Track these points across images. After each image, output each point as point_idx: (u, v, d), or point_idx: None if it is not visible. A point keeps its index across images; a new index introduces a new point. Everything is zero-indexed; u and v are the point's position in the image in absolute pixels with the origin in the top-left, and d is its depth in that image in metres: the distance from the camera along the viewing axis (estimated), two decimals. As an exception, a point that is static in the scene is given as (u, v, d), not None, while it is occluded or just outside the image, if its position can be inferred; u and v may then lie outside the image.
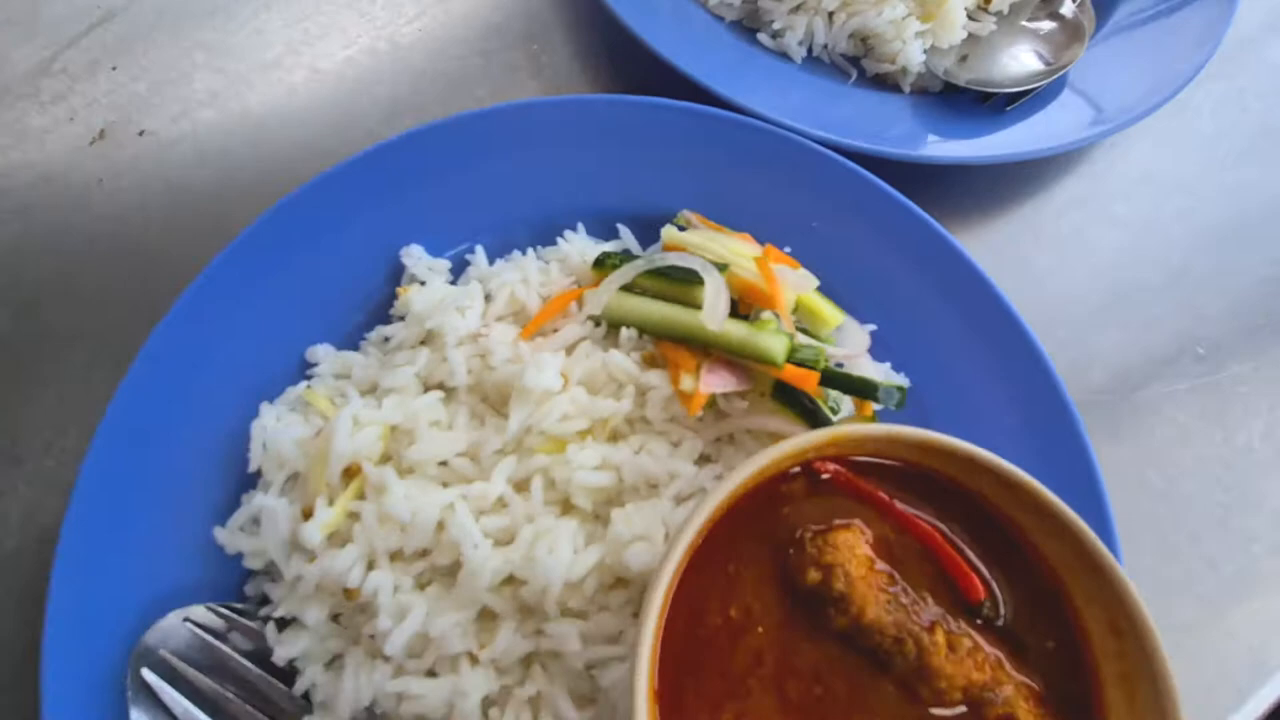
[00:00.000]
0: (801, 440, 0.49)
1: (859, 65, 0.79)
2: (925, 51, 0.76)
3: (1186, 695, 0.60)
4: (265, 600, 0.56)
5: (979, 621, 0.49)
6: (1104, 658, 0.48)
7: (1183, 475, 0.71)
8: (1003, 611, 0.50)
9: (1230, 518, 0.69)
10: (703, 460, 0.57)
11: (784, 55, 0.79)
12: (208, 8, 0.79)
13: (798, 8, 0.77)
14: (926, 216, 0.66)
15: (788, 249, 0.65)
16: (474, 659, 0.50)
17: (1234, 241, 0.80)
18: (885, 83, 0.78)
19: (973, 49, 0.79)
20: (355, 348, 0.62)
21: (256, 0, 0.80)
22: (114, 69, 0.76)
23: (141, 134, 0.74)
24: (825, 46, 0.79)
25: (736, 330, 0.55)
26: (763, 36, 0.79)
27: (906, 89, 0.77)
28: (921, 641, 0.47)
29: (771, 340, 0.54)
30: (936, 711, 0.47)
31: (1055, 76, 0.75)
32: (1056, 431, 0.61)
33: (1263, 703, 0.65)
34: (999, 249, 0.77)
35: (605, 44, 0.83)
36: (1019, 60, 0.76)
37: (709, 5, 0.79)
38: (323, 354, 0.61)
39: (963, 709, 0.47)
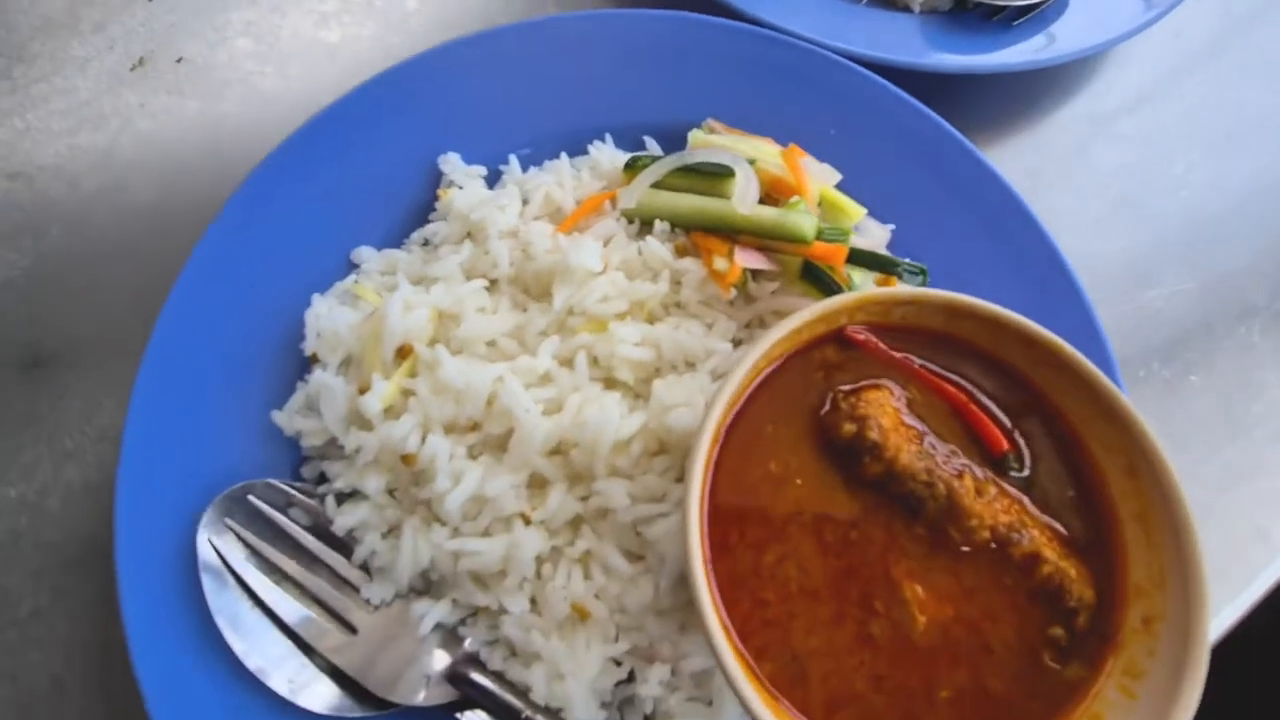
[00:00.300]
0: (833, 302, 0.52)
1: (870, -13, 0.82)
2: (934, -28, 0.79)
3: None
4: (321, 481, 0.59)
5: (1005, 475, 0.53)
6: (1121, 499, 0.51)
7: (1188, 368, 0.74)
8: (1026, 463, 0.53)
9: (1232, 406, 0.73)
10: (735, 343, 0.60)
11: (798, -22, 0.81)
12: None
13: (810, -69, 0.80)
14: (939, 119, 0.69)
15: (809, 153, 0.68)
16: (526, 519, 0.53)
17: (1230, 152, 0.84)
18: (895, 4, 0.81)
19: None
20: (397, 247, 0.65)
21: None
22: (150, 0, 0.78)
23: (179, 61, 0.76)
24: (837, -31, 0.81)
25: (767, 213, 0.58)
26: (777, -41, 0.81)
27: (916, 8, 0.80)
28: (951, 485, 0.50)
29: (801, 218, 0.57)
30: (966, 550, 0.50)
31: (1059, -7, 0.78)
32: (1070, 315, 0.64)
33: (1271, 578, 0.69)
34: (1006, 162, 0.80)
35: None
36: (1025, -23, 0.79)
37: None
38: (367, 254, 0.64)
39: (990, 547, 0.50)
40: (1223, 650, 0.66)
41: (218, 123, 0.74)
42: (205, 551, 0.53)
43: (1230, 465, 0.71)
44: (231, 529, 0.54)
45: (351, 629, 0.53)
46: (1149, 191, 0.81)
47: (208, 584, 0.52)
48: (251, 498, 0.55)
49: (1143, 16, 0.78)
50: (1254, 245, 0.80)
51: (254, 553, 0.54)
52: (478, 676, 0.52)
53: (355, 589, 0.55)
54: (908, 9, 0.81)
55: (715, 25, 0.72)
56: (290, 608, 0.53)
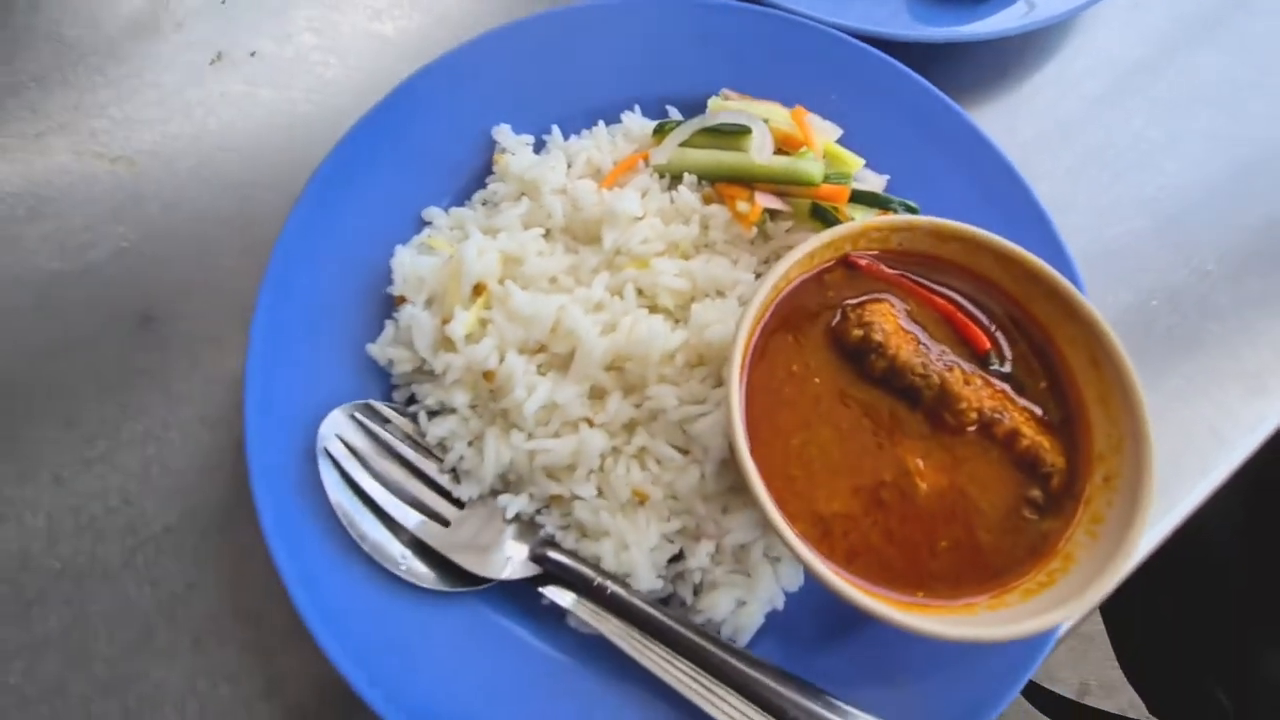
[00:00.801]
0: (838, 230, 0.62)
1: (860, -30, 0.92)
2: (916, -46, 0.89)
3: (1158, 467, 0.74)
4: (410, 402, 0.69)
5: (988, 370, 0.63)
6: (1085, 385, 0.62)
7: (1147, 293, 0.84)
8: (1006, 358, 0.63)
9: (1188, 325, 0.83)
10: (756, 274, 0.70)
11: (795, -36, 0.91)
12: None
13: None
14: (926, 83, 0.79)
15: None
16: (590, 423, 0.63)
17: (1185, 111, 0.94)
18: (883, -17, 0.91)
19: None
20: (461, 206, 0.75)
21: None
22: (223, 2, 0.88)
23: (252, 54, 0.86)
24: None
25: (780, 161, 0.68)
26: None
27: (902, -13, 0.90)
28: (943, 376, 0.60)
29: (810, 165, 0.67)
30: (958, 430, 0.60)
31: (1028, -31, 0.88)
32: (1039, 235, 0.74)
33: (1222, 472, 0.79)
34: (987, 120, 0.90)
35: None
36: (995, -44, 0.89)
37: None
38: (436, 213, 0.74)
39: (977, 427, 0.60)
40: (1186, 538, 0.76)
41: (290, 109, 0.84)
42: (323, 460, 0.63)
43: (1189, 377, 0.82)
44: (342, 441, 0.64)
45: (445, 522, 0.64)
46: (1111, 145, 0.92)
47: (328, 484, 0.62)
48: (357, 414, 0.65)
49: (1102, -12, 0.88)
50: (1205, 187, 0.90)
51: (361, 461, 0.64)
52: (555, 554, 0.62)
53: (446, 491, 0.65)
54: (894, -12, 0.91)
55: (728, 8, 0.82)
56: (394, 505, 0.63)
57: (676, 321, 0.67)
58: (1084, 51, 0.96)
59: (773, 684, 0.58)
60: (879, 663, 0.63)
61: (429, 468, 0.65)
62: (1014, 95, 0.94)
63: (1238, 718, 1.24)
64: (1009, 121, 0.92)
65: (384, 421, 0.66)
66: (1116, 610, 1.43)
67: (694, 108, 0.80)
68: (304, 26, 0.88)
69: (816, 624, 0.65)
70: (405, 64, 0.85)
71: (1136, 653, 1.44)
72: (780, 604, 0.65)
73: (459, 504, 0.64)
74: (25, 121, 0.82)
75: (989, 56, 0.93)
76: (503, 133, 0.76)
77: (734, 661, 0.58)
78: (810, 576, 0.55)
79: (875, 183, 0.76)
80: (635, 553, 0.60)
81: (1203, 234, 0.88)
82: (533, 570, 0.62)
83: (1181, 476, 0.78)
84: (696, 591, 0.64)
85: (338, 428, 0.64)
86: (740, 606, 0.63)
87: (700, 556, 0.63)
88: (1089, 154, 0.91)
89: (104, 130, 0.82)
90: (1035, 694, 1.55)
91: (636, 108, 0.80)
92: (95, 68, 0.84)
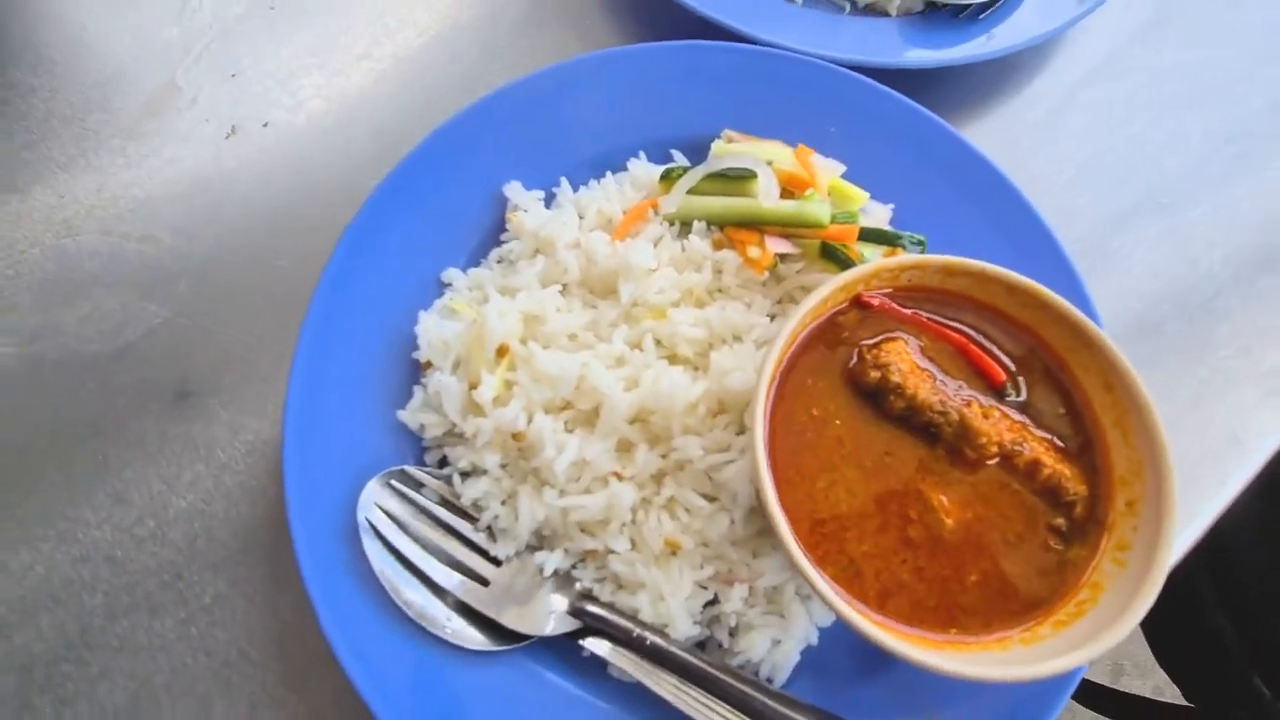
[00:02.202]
0: (850, 274, 0.63)
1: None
2: (906, -21, 0.91)
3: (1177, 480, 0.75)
4: (442, 464, 0.71)
5: (1004, 400, 0.64)
6: (1102, 410, 0.63)
7: (1156, 300, 0.85)
8: (1022, 389, 0.65)
9: (1197, 329, 0.84)
10: (771, 317, 0.72)
11: (788, -2, 0.93)
12: (300, 18, 0.94)
13: (795, -45, 0.92)
14: (921, 108, 0.80)
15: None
16: (619, 476, 0.65)
17: (1184, 110, 0.94)
18: (875, 10, 0.92)
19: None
20: (477, 265, 0.77)
21: (340, 5, 0.95)
22: (233, 76, 0.91)
23: (266, 125, 0.89)
24: (821, -15, 0.93)
25: (787, 205, 0.70)
26: (768, -17, 0.93)
27: (894, 13, 0.91)
28: (962, 412, 0.62)
29: (817, 207, 0.69)
30: (980, 464, 0.62)
31: (1017, -14, 0.89)
32: (1051, 272, 0.75)
33: (1246, 475, 0.80)
34: (986, 135, 0.92)
35: (642, 4, 0.97)
36: (986, -24, 0.90)
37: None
38: (454, 275, 0.76)
39: (998, 460, 0.62)
40: (1212, 540, 0.77)
41: (307, 177, 0.87)
42: (364, 530, 0.65)
43: (1204, 381, 0.83)
44: (380, 509, 0.66)
45: (484, 581, 0.66)
46: (1112, 151, 0.92)
47: (370, 554, 0.64)
48: (393, 482, 0.67)
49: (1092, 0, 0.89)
50: (1207, 187, 0.91)
51: (401, 526, 0.66)
52: (594, 607, 0.64)
53: (483, 550, 0.67)
54: (886, 13, 0.92)
55: (723, 49, 0.83)
56: (435, 568, 0.65)
57: (696, 369, 0.69)
58: (1078, 58, 0.97)
59: (811, 721, 0.59)
60: (914, 692, 0.64)
61: (465, 528, 0.67)
62: (1011, 107, 0.95)
63: (1274, 700, 1.24)
64: (1008, 135, 0.93)
65: (419, 486, 0.68)
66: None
67: (698, 149, 0.81)
68: (313, 94, 0.90)
69: (852, 657, 0.66)
70: (414, 124, 0.88)
71: (1171, 640, 1.44)
72: (815, 640, 0.67)
73: (496, 561, 0.67)
74: (54, 207, 0.85)
75: (984, 73, 0.94)
76: (514, 189, 0.78)
77: (773, 704, 0.60)
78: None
79: (880, 214, 0.78)
80: (671, 604, 0.62)
81: (1207, 235, 0.89)
82: (573, 624, 0.64)
83: (1200, 485, 0.79)
84: (732, 633, 0.66)
85: (375, 497, 0.67)
86: (776, 645, 0.65)
87: (734, 600, 0.64)
88: (1090, 162, 0.92)
89: (129, 210, 0.85)
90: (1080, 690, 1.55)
91: (641, 154, 0.82)
92: (117, 150, 0.87)
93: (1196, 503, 0.78)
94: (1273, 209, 0.90)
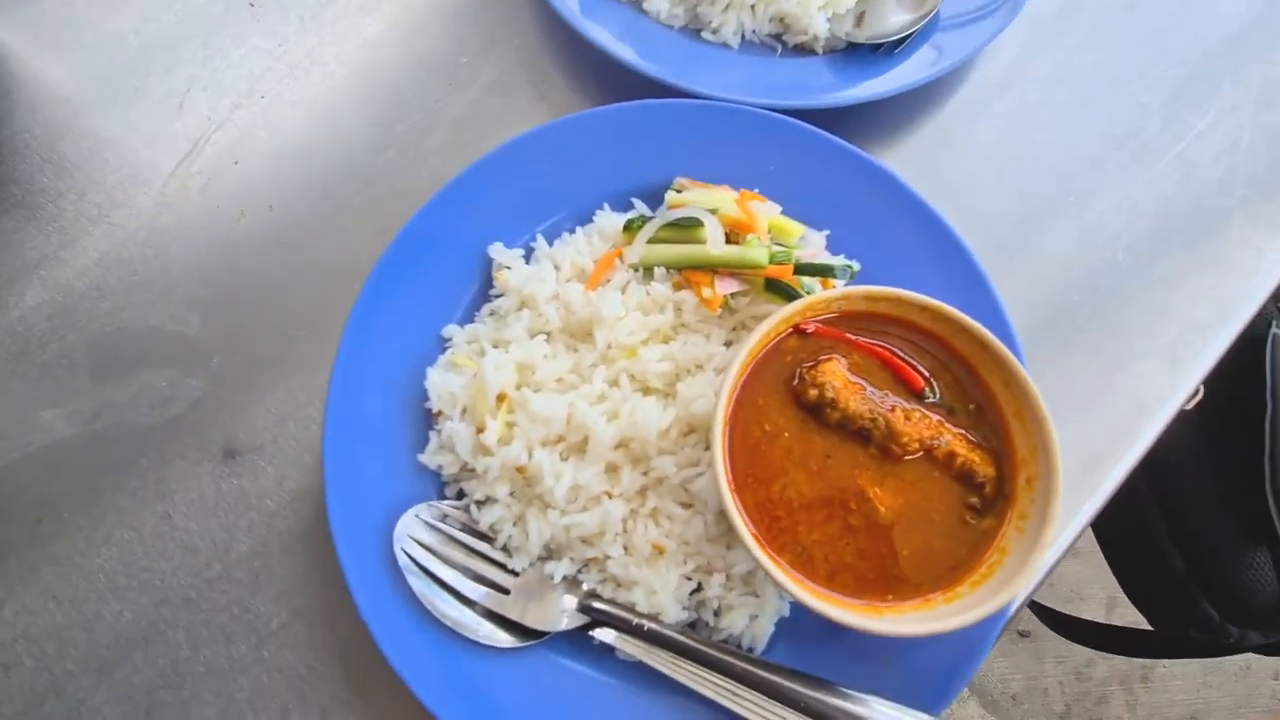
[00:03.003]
0: (788, 309, 0.75)
1: (781, 40, 1.03)
2: (829, 20, 1.01)
3: (1090, 442, 0.88)
4: (460, 496, 0.83)
5: (924, 402, 0.77)
6: (1004, 403, 0.75)
7: (1069, 289, 0.97)
8: (937, 392, 0.77)
9: (1105, 312, 0.96)
10: (727, 344, 0.84)
11: (724, 44, 1.03)
12: (287, 111, 1.05)
13: (727, 7, 1.02)
14: (848, 145, 0.91)
15: (755, 189, 0.91)
16: (610, 495, 0.78)
17: (1085, 112, 1.05)
18: (804, 49, 1.03)
19: (866, 8, 1.03)
20: (471, 320, 0.89)
21: (321, 93, 1.05)
22: (236, 163, 1.02)
23: (271, 209, 1.00)
24: (754, 31, 1.03)
25: (732, 251, 0.82)
26: (705, 34, 1.03)
27: (820, 51, 1.02)
28: (888, 417, 0.74)
29: (756, 251, 0.81)
30: (905, 459, 0.74)
31: (926, 21, 0.99)
32: (964, 275, 0.87)
33: (1147, 440, 0.92)
34: (913, 156, 1.03)
35: (595, 68, 1.07)
36: (897, 14, 1.00)
37: (660, 19, 1.04)
38: (453, 331, 0.87)
39: (920, 454, 0.74)
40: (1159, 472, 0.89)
41: (311, 251, 0.98)
42: (401, 557, 0.78)
43: (1112, 358, 0.95)
44: (414, 539, 0.79)
45: (506, 591, 0.79)
46: (1026, 156, 1.04)
47: (409, 578, 0.77)
48: (421, 515, 0.80)
49: (997, 25, 0.99)
50: (1108, 182, 1.02)
51: (432, 552, 0.79)
52: (599, 604, 0.77)
53: (502, 564, 0.80)
54: (814, 52, 1.02)
55: (671, 106, 0.94)
56: (464, 583, 0.78)
57: (666, 395, 0.81)
58: (990, 75, 1.08)
59: (786, 682, 0.73)
60: (870, 647, 0.78)
61: (485, 548, 0.80)
62: (932, 127, 1.06)
63: (1223, 623, 1.39)
64: (931, 151, 1.04)
65: (444, 516, 0.81)
66: (1109, 532, 1.58)
67: (655, 195, 0.93)
68: (310, 179, 1.01)
69: (819, 624, 0.79)
70: (400, 197, 0.99)
71: (1131, 569, 1.59)
72: (786, 612, 0.80)
73: (514, 573, 0.79)
74: (95, 299, 0.96)
75: (904, 100, 1.05)
76: (497, 250, 0.90)
77: (753, 669, 0.73)
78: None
79: (817, 240, 0.89)
80: (662, 596, 0.75)
81: (1110, 226, 1.00)
82: (583, 620, 0.77)
83: (1114, 443, 0.91)
84: (716, 614, 0.79)
85: (408, 529, 0.79)
86: (753, 620, 0.78)
87: (714, 587, 0.77)
88: (1006, 168, 1.03)
89: (161, 296, 0.96)
90: (1055, 619, 1.71)
91: (606, 205, 0.93)
92: (143, 242, 0.98)
93: (1110, 460, 0.91)
94: (1164, 193, 1.02)
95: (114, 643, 0.84)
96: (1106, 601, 2.61)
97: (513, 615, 0.77)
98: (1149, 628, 1.57)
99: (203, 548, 0.87)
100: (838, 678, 0.75)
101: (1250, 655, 1.42)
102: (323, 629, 0.84)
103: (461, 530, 0.81)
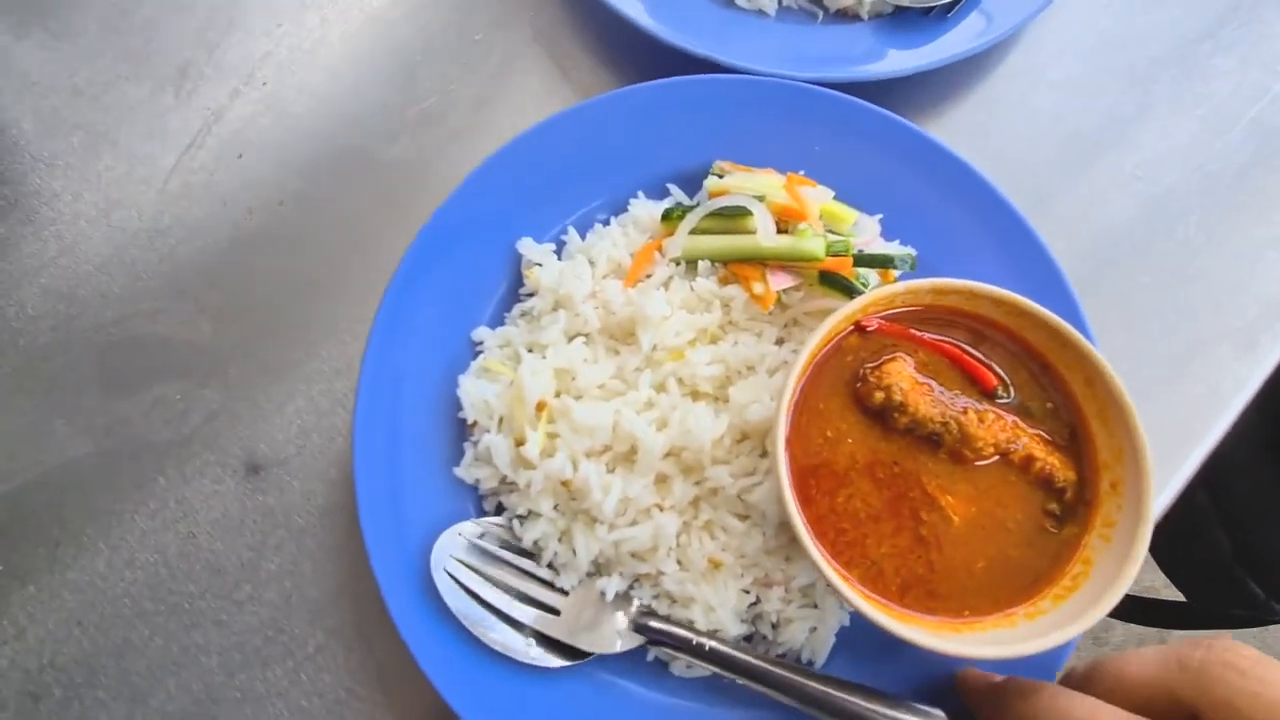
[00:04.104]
0: (849, 307, 0.69)
1: (822, 5, 0.96)
2: (873, -19, 0.93)
3: (1161, 433, 0.83)
4: (499, 511, 0.79)
5: (997, 402, 0.71)
6: (1085, 402, 0.70)
7: (1137, 270, 0.91)
8: (1011, 392, 0.72)
9: (1176, 293, 0.90)
10: (779, 342, 0.78)
11: (760, 12, 0.95)
12: (295, 96, 0.98)
13: (762, -31, 0.94)
14: (901, 119, 0.85)
15: (801, 172, 0.84)
16: (661, 508, 0.73)
17: (1150, 78, 0.98)
18: (847, 15, 0.95)
19: (912, -32, 0.95)
20: (501, 322, 0.83)
21: (331, 72, 0.98)
22: (240, 157, 0.95)
23: (281, 204, 0.93)
24: (791, -4, 0.95)
25: (784, 242, 0.75)
26: (739, 1, 0.95)
27: (865, 17, 0.94)
28: (960, 420, 0.69)
29: (812, 243, 0.74)
30: (979, 464, 0.69)
31: (981, -21, 0.91)
32: (1031, 261, 0.81)
33: (1221, 427, 0.87)
34: (964, 128, 0.96)
35: (620, 42, 0.99)
36: (950, -27, 0.92)
37: (691, -13, 0.96)
38: (484, 334, 0.82)
39: (996, 458, 0.69)
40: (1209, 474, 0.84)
41: (325, 247, 0.92)
42: (443, 579, 0.73)
43: (1186, 344, 0.89)
44: (454, 558, 0.74)
45: (555, 611, 0.75)
46: (1085, 127, 0.96)
47: (451, 602, 0.73)
48: (460, 534, 0.75)
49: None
50: (1178, 153, 0.95)
51: (474, 571, 0.75)
52: (655, 622, 0.73)
53: (549, 582, 0.76)
54: (858, 17, 0.95)
55: (705, 82, 0.87)
56: (511, 605, 0.74)
57: (717, 399, 0.76)
58: (1045, 41, 1.00)
59: (853, 698, 0.69)
60: (935, 658, 0.74)
61: (531, 565, 0.76)
62: (984, 97, 0.98)
63: (1268, 600, 1.36)
64: (984, 123, 0.97)
65: (483, 534, 0.77)
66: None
67: (693, 180, 0.86)
68: (321, 168, 0.95)
69: (878, 633, 0.75)
70: (418, 187, 0.93)
71: (1173, 551, 1.56)
72: (847, 621, 0.76)
73: (563, 591, 0.75)
74: (100, 308, 0.91)
75: (956, 68, 0.97)
76: (526, 245, 0.84)
77: (819, 688, 0.69)
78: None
79: (871, 227, 0.83)
80: (721, 613, 0.71)
81: (1182, 201, 0.94)
82: (638, 640, 0.73)
83: (1188, 437, 0.86)
84: (774, 627, 0.75)
85: (447, 548, 0.75)
86: (813, 633, 0.74)
87: (773, 601, 0.73)
88: (1065, 142, 0.96)
89: (171, 303, 0.90)
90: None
91: (640, 193, 0.86)
92: (146, 245, 0.92)
93: (1182, 452, 0.86)
94: (1240, 162, 0.95)
95: (145, 669, 0.80)
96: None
97: (563, 637, 0.73)
98: (1170, 595, 1.55)
99: (230, 569, 0.83)
100: (902, 689, 0.71)
101: (1266, 615, 1.40)
102: (360, 652, 0.81)
103: (503, 548, 0.76)
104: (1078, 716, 0.55)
